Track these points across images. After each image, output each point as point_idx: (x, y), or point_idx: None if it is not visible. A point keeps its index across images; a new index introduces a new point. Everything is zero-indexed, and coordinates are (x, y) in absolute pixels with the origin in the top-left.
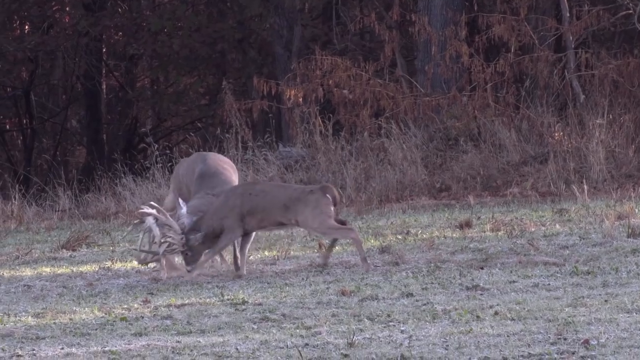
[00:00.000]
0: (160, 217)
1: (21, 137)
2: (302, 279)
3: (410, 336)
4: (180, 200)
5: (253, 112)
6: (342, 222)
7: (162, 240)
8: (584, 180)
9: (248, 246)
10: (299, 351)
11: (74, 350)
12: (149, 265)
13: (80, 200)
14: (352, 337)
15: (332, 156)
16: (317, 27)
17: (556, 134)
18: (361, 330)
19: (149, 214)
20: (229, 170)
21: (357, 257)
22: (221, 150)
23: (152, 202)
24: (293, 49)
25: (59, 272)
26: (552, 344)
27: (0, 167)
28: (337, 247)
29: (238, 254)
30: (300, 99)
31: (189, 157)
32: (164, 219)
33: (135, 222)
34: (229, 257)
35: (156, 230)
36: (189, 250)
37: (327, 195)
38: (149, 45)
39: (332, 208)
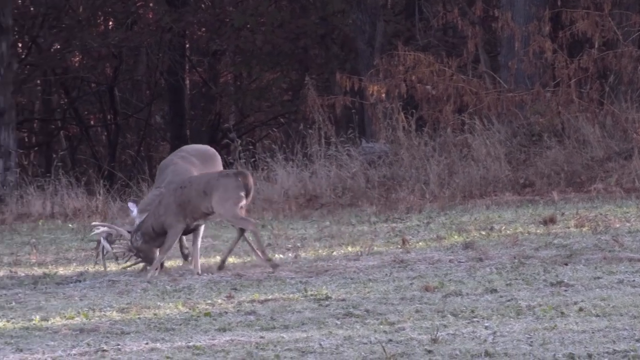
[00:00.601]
0: (110, 231)
1: (105, 133)
2: (386, 274)
3: (495, 332)
4: (130, 203)
5: (336, 108)
6: None
7: (114, 252)
8: None
9: (199, 241)
10: (383, 347)
11: (158, 345)
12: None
13: None
14: (435, 333)
15: (415, 152)
16: (399, 23)
17: None
18: (445, 326)
19: (100, 232)
20: (184, 161)
21: (440, 253)
22: (304, 146)
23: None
24: (376, 45)
25: (142, 267)
26: (637, 340)
27: (85, 163)
28: (420, 243)
29: (191, 250)
30: (383, 95)
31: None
32: (113, 230)
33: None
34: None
35: (107, 246)
36: (139, 252)
37: (239, 179)
38: (232, 41)
39: (242, 194)
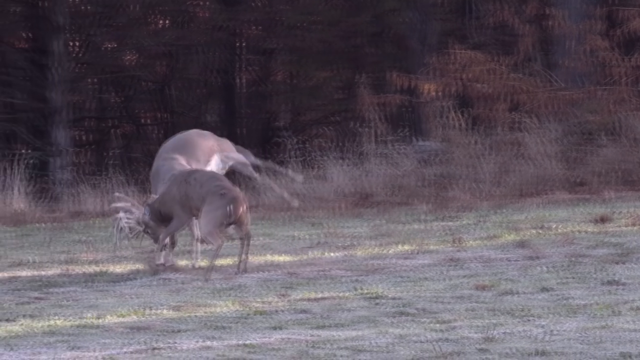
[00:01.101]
0: (130, 207)
1: (159, 131)
2: (439, 273)
3: (548, 331)
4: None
5: (389, 106)
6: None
7: (124, 225)
8: None
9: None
10: (436, 346)
11: (211, 343)
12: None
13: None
14: (489, 331)
15: (468, 150)
16: (452, 21)
17: None
18: (498, 324)
19: (121, 206)
20: (169, 162)
21: (493, 252)
22: (357, 145)
23: (116, 193)
24: (429, 43)
25: (196, 265)
26: None
27: (139, 161)
28: (474, 242)
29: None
30: (436, 93)
31: None
32: (127, 205)
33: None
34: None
35: (124, 221)
36: (147, 227)
37: (230, 206)
38: (286, 39)
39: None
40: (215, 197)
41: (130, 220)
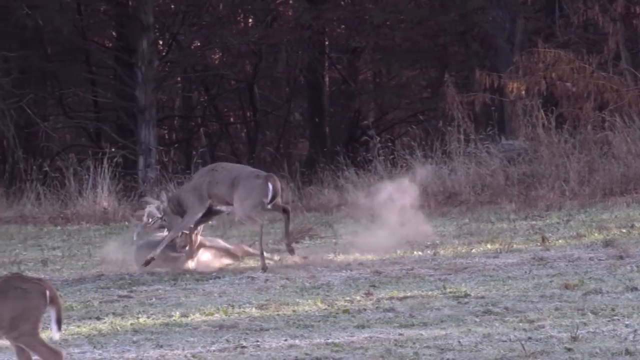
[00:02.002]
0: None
1: (245, 130)
2: (525, 272)
3: (635, 330)
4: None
5: (475, 105)
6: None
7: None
8: None
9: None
10: (522, 345)
11: (297, 342)
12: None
13: (303, 192)
14: (575, 331)
15: (554, 149)
16: (539, 20)
17: None
18: (585, 324)
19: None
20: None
21: (580, 251)
22: (443, 144)
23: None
24: (515, 42)
25: (282, 263)
26: None
27: (225, 160)
28: (560, 241)
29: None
30: (523, 92)
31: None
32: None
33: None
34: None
35: (155, 212)
36: (165, 215)
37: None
38: (372, 38)
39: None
40: (250, 180)
41: (151, 207)
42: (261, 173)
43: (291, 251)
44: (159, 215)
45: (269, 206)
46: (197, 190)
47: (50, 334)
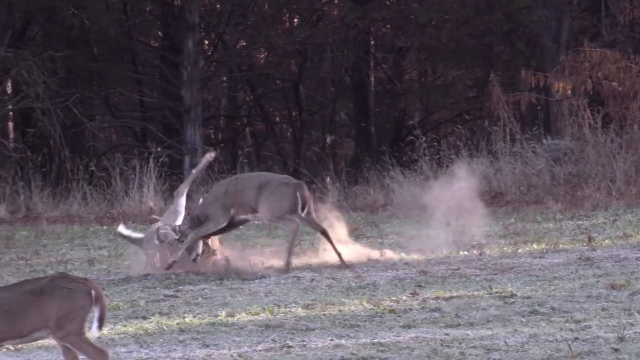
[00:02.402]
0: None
1: (290, 130)
2: (571, 272)
3: None
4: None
5: (521, 105)
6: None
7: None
8: None
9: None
10: (569, 345)
11: (343, 341)
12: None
13: (348, 192)
14: (622, 331)
15: (601, 149)
16: (585, 19)
17: None
18: (632, 324)
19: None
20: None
21: (627, 251)
22: (489, 143)
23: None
24: (561, 41)
25: (327, 263)
26: None
27: (270, 159)
28: (607, 241)
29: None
30: (569, 92)
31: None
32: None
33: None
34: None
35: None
36: (182, 235)
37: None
38: (417, 37)
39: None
40: (279, 187)
41: (166, 228)
42: (291, 180)
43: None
44: (176, 237)
45: (303, 215)
46: (219, 200)
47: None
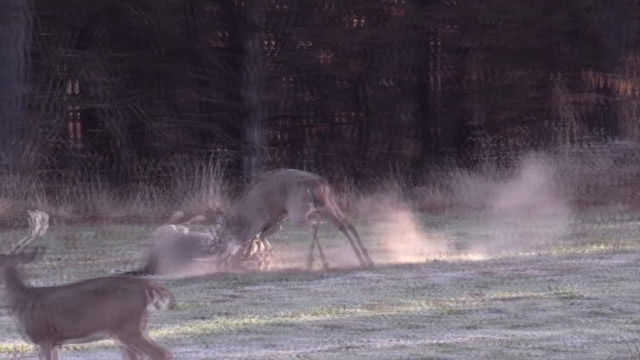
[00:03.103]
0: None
1: (353, 130)
2: (635, 273)
3: None
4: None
5: (584, 105)
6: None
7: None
8: None
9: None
10: (632, 346)
11: (405, 342)
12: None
13: (410, 192)
14: None
15: None
16: None
17: None
18: None
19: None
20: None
21: None
22: (552, 144)
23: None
24: (625, 42)
25: (390, 264)
26: None
27: (333, 160)
28: None
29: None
30: (633, 92)
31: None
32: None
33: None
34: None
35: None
36: (220, 238)
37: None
38: (480, 38)
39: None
40: (294, 186)
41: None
42: (305, 178)
43: (370, 265)
44: (215, 238)
45: (317, 211)
46: (254, 204)
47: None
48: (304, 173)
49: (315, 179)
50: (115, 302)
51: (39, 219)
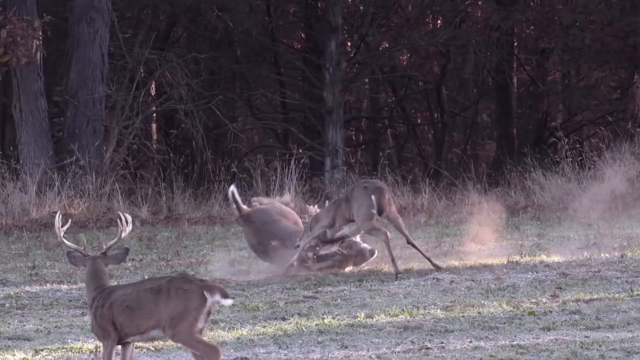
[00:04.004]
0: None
1: (432, 131)
2: None
3: None
4: None
5: None
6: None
7: None
8: None
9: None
10: None
11: (482, 343)
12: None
13: (489, 194)
14: None
15: None
16: None
17: None
18: None
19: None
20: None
21: None
22: (632, 145)
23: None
24: None
25: (467, 265)
26: None
27: (412, 161)
28: None
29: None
30: None
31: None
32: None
33: None
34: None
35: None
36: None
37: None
38: (561, 39)
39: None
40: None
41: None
42: (367, 184)
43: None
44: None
45: (378, 218)
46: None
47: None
48: (364, 181)
49: (378, 185)
50: (173, 301)
51: (129, 221)
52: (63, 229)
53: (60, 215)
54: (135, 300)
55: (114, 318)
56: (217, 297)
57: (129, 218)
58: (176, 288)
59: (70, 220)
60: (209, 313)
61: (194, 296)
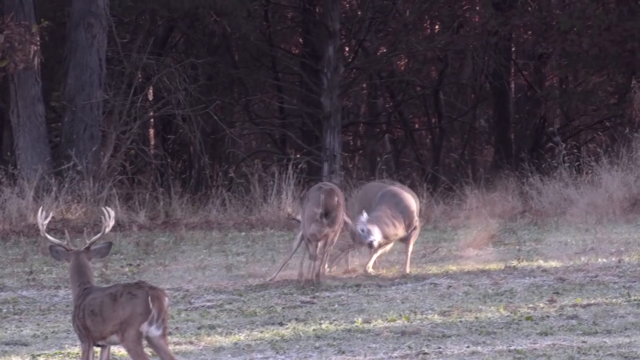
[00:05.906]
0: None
1: (430, 136)
2: None
3: None
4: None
5: None
6: None
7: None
8: None
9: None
10: None
11: (479, 348)
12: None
13: (487, 198)
14: None
15: None
16: None
17: None
18: None
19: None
20: (409, 195)
21: None
22: (630, 150)
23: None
24: None
25: (465, 270)
26: None
27: (409, 166)
28: None
29: None
30: None
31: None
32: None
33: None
34: None
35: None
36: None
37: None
38: (558, 44)
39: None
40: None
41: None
42: (322, 185)
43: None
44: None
45: (324, 221)
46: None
47: (231, 338)
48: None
49: (331, 187)
50: (123, 306)
51: (112, 215)
52: (45, 222)
53: (43, 211)
54: (98, 305)
55: (85, 322)
56: (156, 309)
57: (112, 213)
58: (127, 293)
59: (52, 214)
60: (162, 320)
61: (139, 302)
